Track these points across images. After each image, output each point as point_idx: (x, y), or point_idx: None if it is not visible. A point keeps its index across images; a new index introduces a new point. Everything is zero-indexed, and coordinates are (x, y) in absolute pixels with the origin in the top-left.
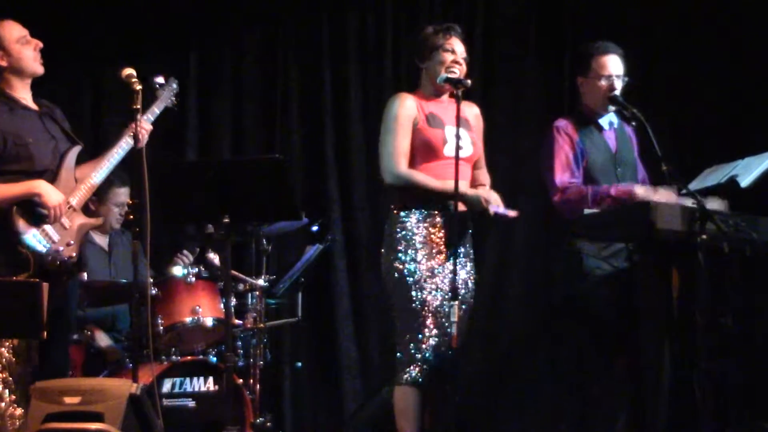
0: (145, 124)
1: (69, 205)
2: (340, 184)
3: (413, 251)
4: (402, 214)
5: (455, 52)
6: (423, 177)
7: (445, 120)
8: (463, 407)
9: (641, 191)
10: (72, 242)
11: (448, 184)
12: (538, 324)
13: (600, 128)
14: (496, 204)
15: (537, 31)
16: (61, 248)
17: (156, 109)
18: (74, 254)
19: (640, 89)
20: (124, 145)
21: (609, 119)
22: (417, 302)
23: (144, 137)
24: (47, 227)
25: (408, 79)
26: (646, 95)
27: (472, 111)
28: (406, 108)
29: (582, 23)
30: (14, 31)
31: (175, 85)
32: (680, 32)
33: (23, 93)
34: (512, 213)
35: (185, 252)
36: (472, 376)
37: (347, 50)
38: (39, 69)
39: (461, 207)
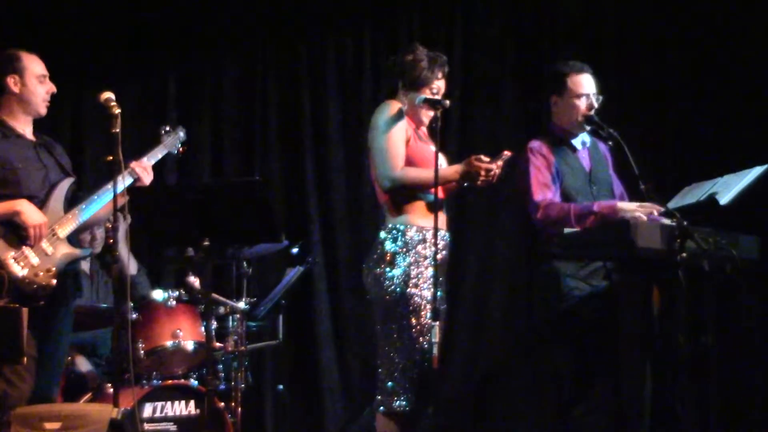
0: (147, 162)
1: (54, 232)
2: (320, 207)
3: (413, 273)
4: (398, 234)
5: (438, 93)
6: (415, 171)
7: (425, 138)
8: (444, 428)
9: (624, 206)
10: (52, 269)
11: (442, 169)
12: (518, 344)
13: (574, 149)
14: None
15: (515, 51)
16: (40, 273)
17: (158, 153)
18: (53, 281)
19: (617, 107)
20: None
21: (582, 139)
22: (415, 328)
23: (145, 176)
24: (27, 250)
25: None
26: (623, 113)
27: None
28: (400, 115)
29: (559, 42)
30: (37, 67)
31: (182, 134)
32: (657, 50)
33: (23, 125)
34: (507, 153)
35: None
36: (453, 396)
37: (326, 73)
38: (43, 111)
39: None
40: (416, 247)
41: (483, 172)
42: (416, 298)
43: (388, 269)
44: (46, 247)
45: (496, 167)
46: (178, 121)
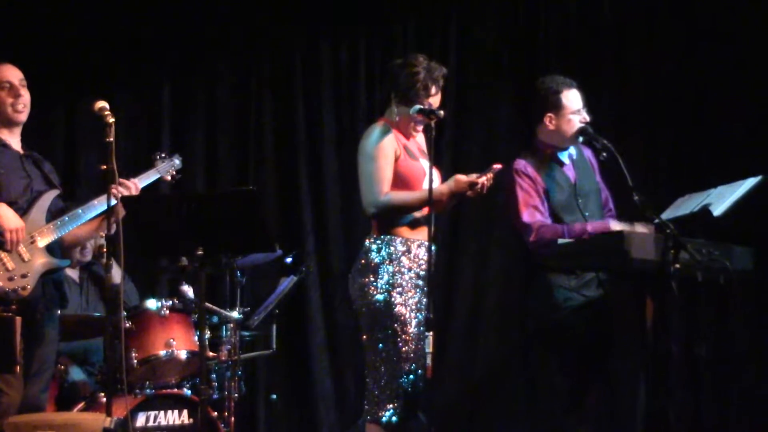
0: (138, 183)
1: (33, 240)
2: (314, 216)
3: (398, 282)
4: (383, 244)
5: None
6: (402, 195)
7: (416, 153)
8: None
9: (617, 226)
10: (27, 274)
11: (425, 192)
12: (513, 354)
13: (561, 163)
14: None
15: (510, 60)
16: (14, 277)
17: (150, 175)
18: (28, 287)
19: (611, 117)
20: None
21: (569, 152)
22: (399, 338)
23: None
24: (2, 254)
25: (382, 110)
26: (617, 123)
27: (421, 138)
28: (388, 137)
29: (555, 52)
30: None
31: (177, 162)
32: (652, 59)
33: (9, 137)
34: (497, 166)
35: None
36: (447, 406)
37: (320, 81)
38: (14, 116)
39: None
40: (400, 257)
41: (468, 188)
42: (400, 308)
43: (372, 279)
44: (24, 253)
45: (485, 180)
46: (171, 129)
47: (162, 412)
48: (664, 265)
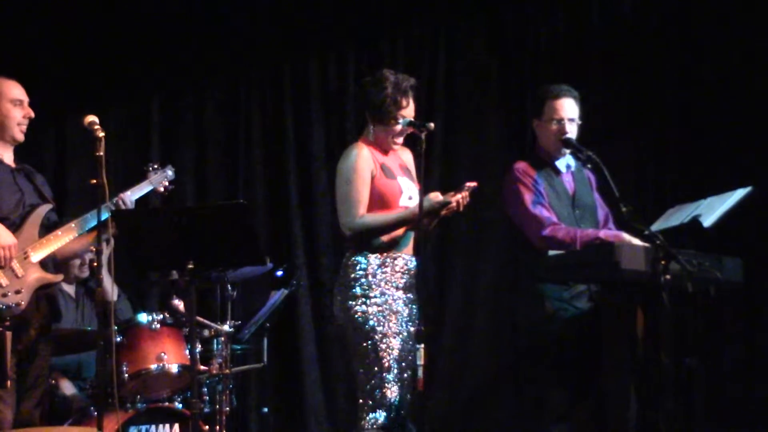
0: (130, 196)
1: (26, 255)
2: (304, 229)
3: (374, 296)
4: (360, 258)
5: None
6: (378, 216)
7: (394, 170)
8: None
9: (630, 238)
10: (21, 290)
11: (403, 211)
12: (502, 367)
13: (557, 171)
14: (442, 197)
15: (498, 73)
16: (8, 293)
17: (142, 188)
18: (22, 303)
19: (599, 129)
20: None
21: (566, 162)
22: (380, 349)
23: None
24: None
25: (360, 130)
26: (605, 135)
27: (407, 156)
28: (364, 158)
29: (543, 65)
30: (11, 91)
31: (170, 173)
32: (640, 71)
33: (2, 151)
34: (470, 184)
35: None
36: (437, 419)
37: (309, 95)
38: (18, 135)
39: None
40: (375, 271)
41: (441, 206)
42: (375, 322)
43: (348, 294)
44: (17, 268)
45: (460, 198)
46: (161, 144)
47: (153, 426)
48: (654, 276)
